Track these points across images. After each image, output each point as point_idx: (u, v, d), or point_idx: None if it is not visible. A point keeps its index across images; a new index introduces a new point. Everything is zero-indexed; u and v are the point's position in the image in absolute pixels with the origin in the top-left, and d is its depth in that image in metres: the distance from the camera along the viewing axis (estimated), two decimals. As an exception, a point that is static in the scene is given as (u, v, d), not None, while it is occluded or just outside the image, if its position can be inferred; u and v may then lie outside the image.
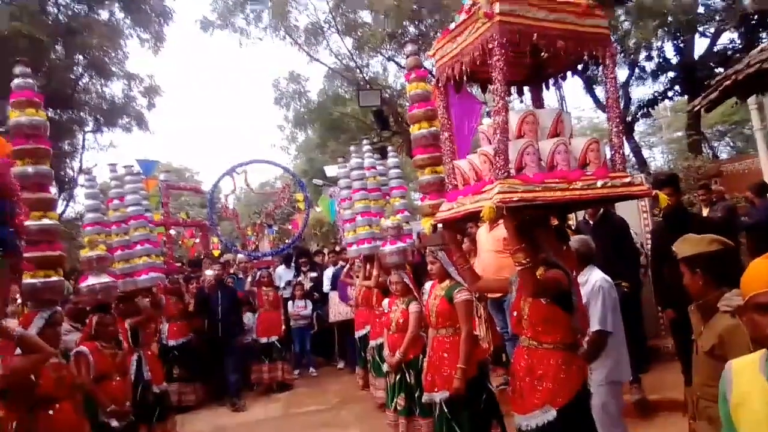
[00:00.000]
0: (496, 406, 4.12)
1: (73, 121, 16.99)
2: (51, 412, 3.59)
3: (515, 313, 3.11)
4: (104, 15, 16.55)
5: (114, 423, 4.50)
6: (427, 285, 4.72)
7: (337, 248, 10.39)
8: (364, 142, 8.17)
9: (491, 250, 5.62)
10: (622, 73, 15.72)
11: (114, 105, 17.31)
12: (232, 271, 9.97)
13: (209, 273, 8.36)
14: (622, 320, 3.93)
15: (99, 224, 6.59)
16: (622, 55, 14.71)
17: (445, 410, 4.02)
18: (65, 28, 15.01)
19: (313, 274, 9.80)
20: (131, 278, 6.35)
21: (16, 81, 4.40)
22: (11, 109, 4.33)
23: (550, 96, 3.51)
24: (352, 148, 8.15)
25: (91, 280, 5.06)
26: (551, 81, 3.49)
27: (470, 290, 4.06)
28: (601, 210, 5.47)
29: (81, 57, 15.88)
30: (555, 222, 3.20)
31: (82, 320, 6.06)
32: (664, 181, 4.90)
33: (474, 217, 2.92)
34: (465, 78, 3.20)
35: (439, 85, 3.37)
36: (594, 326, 3.70)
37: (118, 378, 4.72)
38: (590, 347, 3.69)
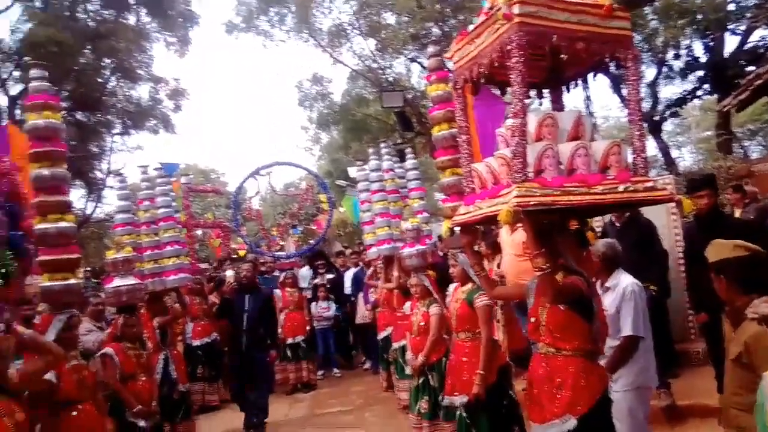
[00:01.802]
0: (518, 411, 4.08)
1: (101, 123, 17.31)
2: (74, 413, 3.65)
3: (533, 319, 3.06)
4: (131, 19, 16.83)
5: (141, 423, 4.54)
6: (451, 287, 4.69)
7: (357, 249, 10.39)
8: (382, 144, 8.20)
9: (512, 253, 5.57)
10: (650, 72, 15.46)
11: (141, 108, 17.60)
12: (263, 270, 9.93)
13: (230, 274, 7.96)
14: (650, 324, 3.84)
15: (130, 225, 6.72)
16: (650, 53, 14.45)
17: (465, 415, 4.01)
18: (94, 33, 15.32)
19: (330, 276, 9.80)
20: (160, 278, 6.44)
21: (32, 84, 4.36)
22: (28, 112, 4.29)
23: (576, 95, 3.47)
24: (370, 150, 8.17)
25: (117, 282, 5.09)
26: (572, 83, 3.45)
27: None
28: (628, 212, 5.37)
29: (109, 61, 16.17)
30: (575, 226, 3.15)
31: (105, 320, 6.17)
32: (702, 182, 4.75)
33: (492, 221, 2.88)
34: (483, 80, 3.19)
35: (457, 87, 3.36)
36: (626, 331, 3.62)
37: (143, 378, 4.76)
38: (621, 352, 3.60)
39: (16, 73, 14.94)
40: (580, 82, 3.42)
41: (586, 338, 2.86)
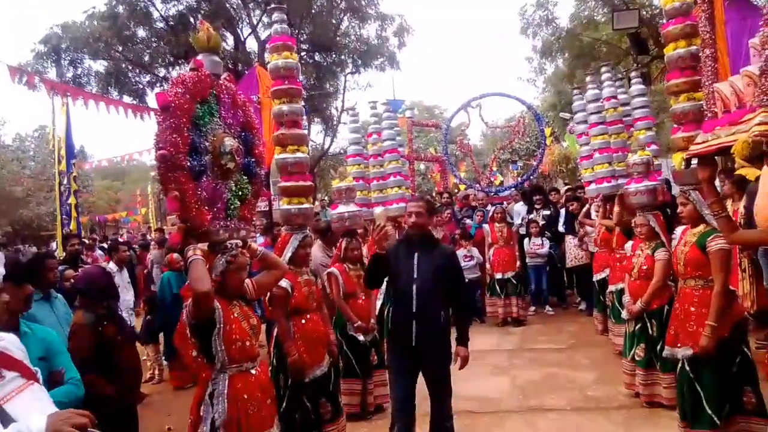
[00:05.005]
0: (752, 372, 3.57)
1: (336, 63, 18.57)
2: (303, 321, 4.15)
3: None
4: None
5: (361, 337, 4.98)
6: (678, 230, 4.21)
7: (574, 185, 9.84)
8: (603, 69, 7.42)
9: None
10: None
11: (369, 46, 18.38)
12: (474, 205, 10.03)
13: (378, 212, 6.51)
14: None
15: (359, 156, 7.31)
16: None
17: (688, 368, 3.64)
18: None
19: (546, 212, 9.45)
20: (383, 207, 6.89)
21: (274, 27, 4.75)
22: (270, 53, 4.70)
23: None
24: (588, 78, 7.46)
25: (341, 209, 5.56)
26: None
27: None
28: None
29: (340, 1, 17.07)
30: None
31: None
32: None
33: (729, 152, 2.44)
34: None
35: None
36: None
37: (363, 297, 5.13)
38: None
39: (265, 19, 16.63)
40: None
41: None
